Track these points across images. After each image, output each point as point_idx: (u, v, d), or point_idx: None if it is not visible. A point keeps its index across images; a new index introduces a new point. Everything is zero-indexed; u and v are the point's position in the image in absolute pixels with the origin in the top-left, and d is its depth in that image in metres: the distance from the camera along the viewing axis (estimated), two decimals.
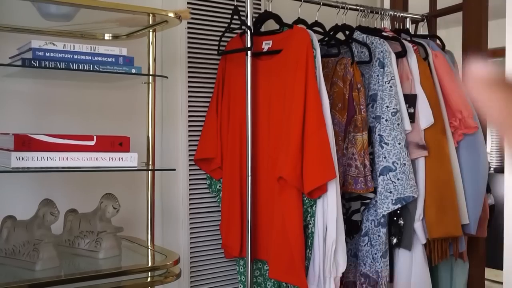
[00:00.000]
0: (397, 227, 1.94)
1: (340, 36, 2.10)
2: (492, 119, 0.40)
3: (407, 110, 1.93)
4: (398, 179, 1.85)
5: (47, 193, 1.66)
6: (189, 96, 2.06)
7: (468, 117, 2.05)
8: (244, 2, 1.89)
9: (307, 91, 1.76)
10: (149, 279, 1.50)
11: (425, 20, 2.47)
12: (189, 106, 2.06)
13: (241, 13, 1.90)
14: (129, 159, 1.51)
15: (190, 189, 2.07)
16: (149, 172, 1.69)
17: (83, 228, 1.57)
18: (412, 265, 1.95)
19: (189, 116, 2.06)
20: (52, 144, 1.40)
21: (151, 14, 1.56)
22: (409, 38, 2.16)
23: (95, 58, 1.50)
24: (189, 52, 2.05)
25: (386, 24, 2.35)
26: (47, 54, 1.43)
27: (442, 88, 2.08)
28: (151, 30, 1.67)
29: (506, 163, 1.56)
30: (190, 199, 2.07)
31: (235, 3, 1.94)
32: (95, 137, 1.46)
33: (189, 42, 2.05)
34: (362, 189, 1.87)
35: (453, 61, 2.27)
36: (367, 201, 1.92)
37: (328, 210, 1.77)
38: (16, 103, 1.73)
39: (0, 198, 1.70)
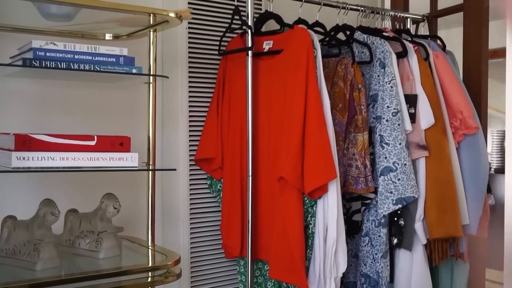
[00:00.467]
0: (398, 228, 1.94)
1: (341, 36, 2.10)
2: None
3: (408, 110, 1.93)
4: (398, 179, 1.85)
5: (48, 193, 1.66)
6: (189, 96, 2.06)
7: (468, 117, 2.05)
8: (244, 2, 1.89)
9: (308, 91, 1.76)
10: (149, 279, 1.50)
11: (426, 21, 2.47)
12: (189, 106, 2.06)
13: (242, 13, 1.90)
14: (129, 159, 1.51)
15: (190, 189, 2.07)
16: (150, 172, 1.69)
17: (83, 228, 1.57)
18: (412, 266, 1.95)
19: (190, 116, 2.06)
20: (52, 144, 1.40)
21: (151, 14, 1.56)
22: (409, 38, 2.16)
23: (96, 58, 1.51)
24: (189, 52, 2.05)
25: (387, 24, 2.35)
26: (47, 54, 1.43)
27: (443, 88, 2.08)
28: (151, 30, 1.67)
29: (507, 163, 1.56)
30: (190, 199, 2.07)
31: (235, 3, 1.94)
32: (95, 137, 1.46)
33: (189, 42, 2.05)
34: (362, 189, 1.87)
35: (453, 61, 2.27)
36: (368, 201, 1.92)
37: (329, 210, 1.77)
38: (16, 103, 1.73)
39: (1, 198, 1.70)
